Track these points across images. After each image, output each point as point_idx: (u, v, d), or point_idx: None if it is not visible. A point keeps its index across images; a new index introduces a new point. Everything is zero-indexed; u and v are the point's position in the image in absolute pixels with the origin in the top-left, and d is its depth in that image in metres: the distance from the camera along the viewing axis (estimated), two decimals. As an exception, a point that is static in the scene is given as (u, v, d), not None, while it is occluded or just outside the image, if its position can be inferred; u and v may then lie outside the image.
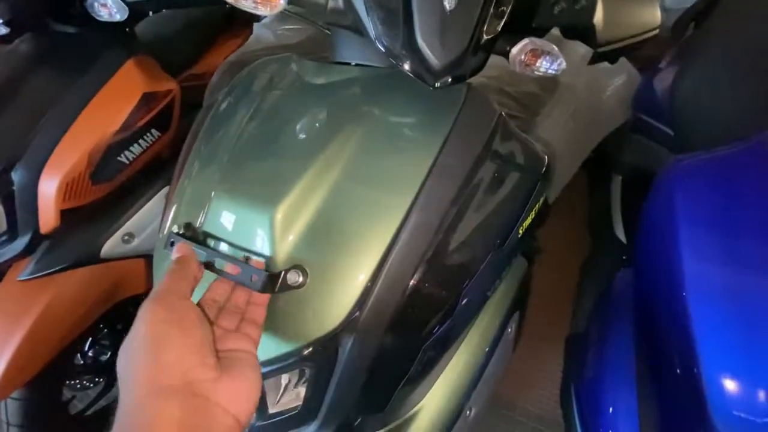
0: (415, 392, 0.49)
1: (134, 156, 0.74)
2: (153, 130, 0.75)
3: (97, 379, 0.96)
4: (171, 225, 0.47)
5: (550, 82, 1.02)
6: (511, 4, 0.41)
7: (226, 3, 0.42)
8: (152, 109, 0.73)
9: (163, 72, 0.78)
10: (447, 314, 0.43)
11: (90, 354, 0.93)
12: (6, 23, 0.63)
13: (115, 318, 0.89)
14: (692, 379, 0.31)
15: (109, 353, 0.96)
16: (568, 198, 1.00)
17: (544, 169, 0.50)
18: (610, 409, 0.41)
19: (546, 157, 0.51)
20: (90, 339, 0.91)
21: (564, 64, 0.47)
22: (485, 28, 0.40)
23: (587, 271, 0.96)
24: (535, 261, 0.99)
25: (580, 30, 0.47)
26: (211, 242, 0.42)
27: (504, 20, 0.41)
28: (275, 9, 0.41)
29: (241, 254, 0.40)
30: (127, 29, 0.78)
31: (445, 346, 0.47)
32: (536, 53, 0.46)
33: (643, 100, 1.06)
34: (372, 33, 0.41)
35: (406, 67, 0.40)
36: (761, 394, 0.27)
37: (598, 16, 0.45)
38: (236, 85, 0.56)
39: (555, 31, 0.52)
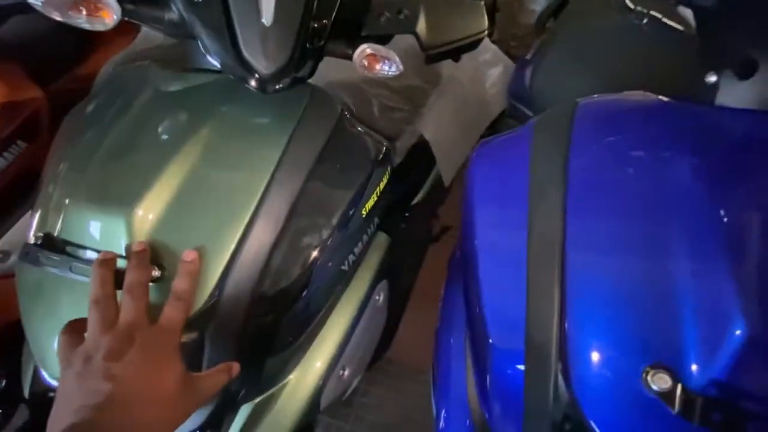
0: (291, 360, 0.55)
1: (0, 170, 0.71)
2: (19, 141, 0.72)
3: (-8, 411, 0.90)
4: (32, 235, 0.47)
5: (433, 75, 1.11)
6: (333, 18, 0.47)
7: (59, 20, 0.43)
8: (14, 120, 0.70)
9: (26, 80, 0.74)
10: (302, 288, 0.49)
11: (-20, 386, 0.87)
12: None
13: (3, 344, 0.84)
14: (480, 320, 0.41)
15: (3, 382, 0.90)
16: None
17: (381, 156, 0.57)
18: (451, 341, 0.51)
19: (384, 147, 0.59)
20: (-22, 369, 0.85)
21: (401, 68, 0.54)
22: (309, 38, 0.46)
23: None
24: (441, 237, 1.09)
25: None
26: (71, 249, 0.44)
27: (327, 31, 0.47)
28: (108, 25, 0.43)
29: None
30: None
31: (309, 316, 0.53)
32: (374, 58, 0.53)
33: (514, 88, 1.19)
34: (203, 48, 0.45)
35: (239, 77, 0.45)
36: (518, 328, 0.38)
37: (421, 25, 0.52)
38: (100, 91, 0.56)
39: None
